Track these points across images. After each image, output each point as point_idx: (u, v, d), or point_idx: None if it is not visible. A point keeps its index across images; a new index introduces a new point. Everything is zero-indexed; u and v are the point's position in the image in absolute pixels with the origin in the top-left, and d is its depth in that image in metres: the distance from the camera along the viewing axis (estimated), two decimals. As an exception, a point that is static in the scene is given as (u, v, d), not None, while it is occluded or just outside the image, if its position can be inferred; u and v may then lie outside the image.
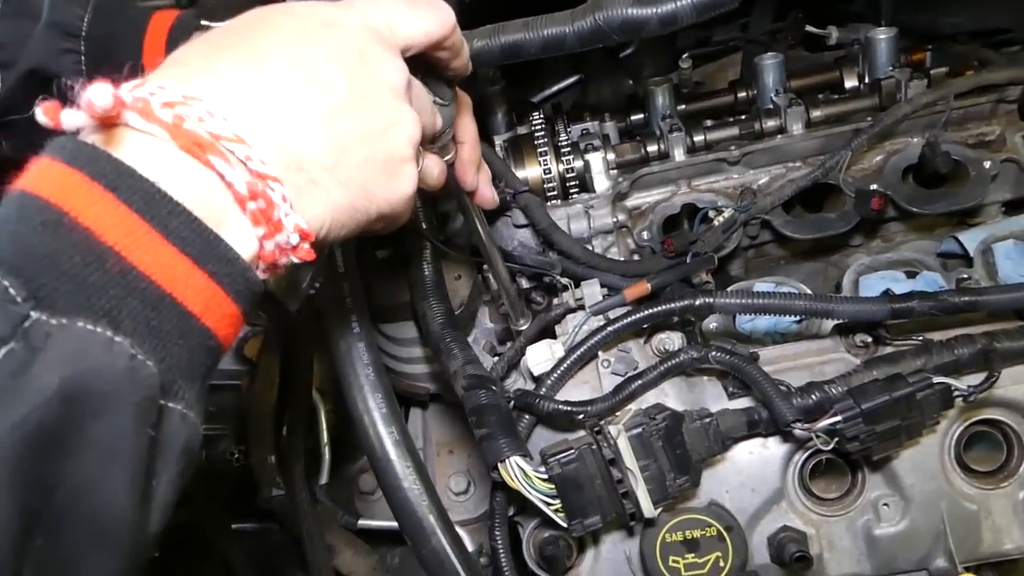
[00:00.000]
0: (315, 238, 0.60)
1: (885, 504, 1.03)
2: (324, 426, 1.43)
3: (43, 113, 0.50)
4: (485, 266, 1.19)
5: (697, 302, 1.03)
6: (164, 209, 0.51)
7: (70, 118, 0.50)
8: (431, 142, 0.81)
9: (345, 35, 0.64)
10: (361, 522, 1.46)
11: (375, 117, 0.64)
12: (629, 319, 1.05)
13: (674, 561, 1.00)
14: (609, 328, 1.05)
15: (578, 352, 1.05)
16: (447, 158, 0.89)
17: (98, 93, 0.50)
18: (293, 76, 0.59)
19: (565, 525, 0.95)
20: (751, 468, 1.04)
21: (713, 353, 1.01)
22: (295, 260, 0.59)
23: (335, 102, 0.61)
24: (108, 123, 0.52)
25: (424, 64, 0.77)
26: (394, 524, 1.43)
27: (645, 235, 1.26)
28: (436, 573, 0.92)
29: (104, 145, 0.52)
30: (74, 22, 0.94)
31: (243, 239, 0.55)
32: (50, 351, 0.46)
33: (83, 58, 0.94)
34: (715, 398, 1.06)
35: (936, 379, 0.95)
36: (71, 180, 0.50)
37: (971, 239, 1.17)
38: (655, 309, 1.04)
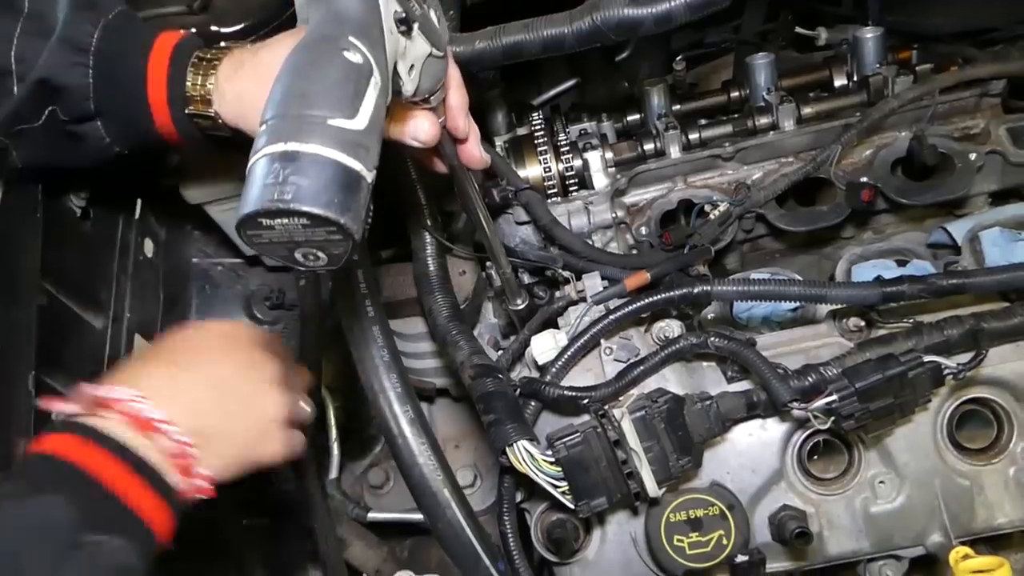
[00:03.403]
0: (215, 480, 0.88)
1: (881, 482, 1.06)
2: (333, 422, 1.46)
3: (44, 405, 0.87)
4: (488, 262, 1.22)
5: (696, 290, 1.06)
6: (132, 460, 0.81)
7: (64, 408, 0.83)
8: (424, 100, 0.88)
9: (239, 348, 0.98)
10: (371, 515, 1.49)
11: (252, 403, 0.96)
12: (630, 307, 1.08)
13: (678, 540, 1.02)
14: (611, 317, 1.08)
15: (581, 340, 1.08)
16: (442, 120, 0.93)
17: (86, 398, 0.83)
18: (202, 380, 0.92)
19: (572, 507, 0.98)
20: (751, 450, 1.07)
21: (712, 339, 1.04)
22: (202, 495, 0.88)
23: (227, 395, 0.93)
24: (92, 412, 0.83)
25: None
26: (403, 516, 1.48)
27: (643, 230, 1.30)
28: (451, 545, 0.95)
29: (93, 423, 0.82)
30: (84, 38, 0.98)
31: (174, 479, 0.84)
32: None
33: (91, 72, 0.98)
34: (715, 383, 1.08)
35: (927, 358, 0.98)
36: (83, 447, 0.80)
37: (959, 229, 1.21)
38: (655, 297, 1.07)
